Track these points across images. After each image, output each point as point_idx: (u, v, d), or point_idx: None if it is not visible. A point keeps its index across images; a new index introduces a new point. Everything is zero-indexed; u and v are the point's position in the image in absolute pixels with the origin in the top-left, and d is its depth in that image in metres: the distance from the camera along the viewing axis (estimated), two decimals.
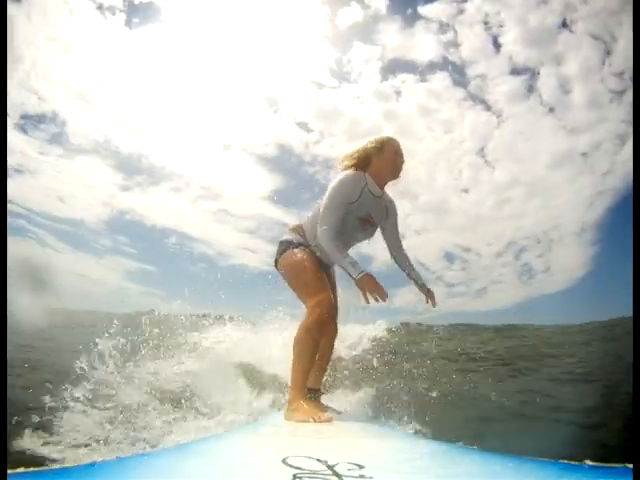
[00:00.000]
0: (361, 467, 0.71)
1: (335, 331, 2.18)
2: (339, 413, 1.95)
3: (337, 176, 2.03)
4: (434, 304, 2.19)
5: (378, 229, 2.22)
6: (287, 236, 2.15)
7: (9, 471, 0.69)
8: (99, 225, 15.25)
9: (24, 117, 14.41)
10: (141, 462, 0.86)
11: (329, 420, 1.63)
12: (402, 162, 2.11)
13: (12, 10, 13.13)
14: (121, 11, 14.88)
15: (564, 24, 14.03)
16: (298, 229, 2.15)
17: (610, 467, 0.87)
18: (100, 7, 14.59)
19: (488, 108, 15.87)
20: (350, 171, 2.04)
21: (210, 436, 1.54)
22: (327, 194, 1.98)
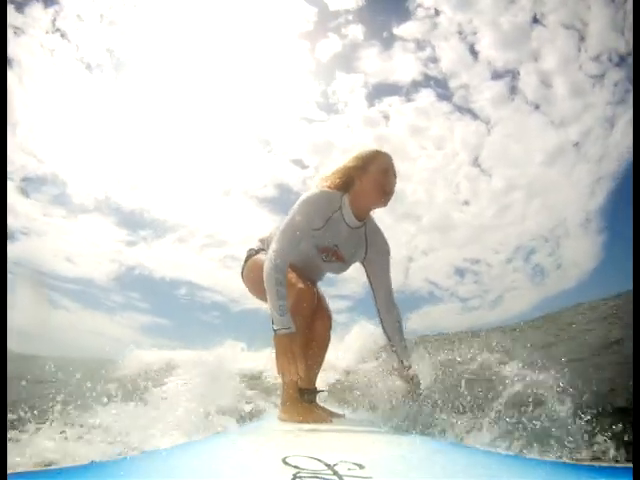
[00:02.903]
0: (361, 467, 0.71)
1: (326, 325, 1.89)
2: (341, 416, 1.91)
3: (306, 192, 1.70)
4: (415, 397, 1.71)
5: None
6: (253, 245, 1.97)
7: (9, 471, 0.69)
8: (109, 282, 15.60)
9: (25, 180, 14.81)
10: (141, 462, 0.86)
11: (325, 420, 1.58)
12: (392, 182, 1.71)
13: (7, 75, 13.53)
14: (110, 68, 15.27)
15: (535, 20, 14.20)
16: (262, 239, 1.95)
17: (610, 467, 0.87)
18: (88, 67, 14.92)
19: (475, 117, 15.98)
20: (325, 189, 1.71)
21: (210, 436, 1.53)
22: (290, 212, 1.66)
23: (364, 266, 1.89)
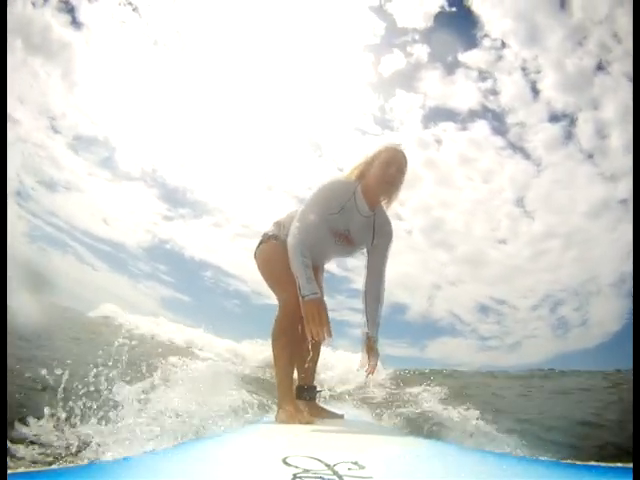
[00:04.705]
0: (361, 467, 0.71)
1: None
2: (341, 417, 1.91)
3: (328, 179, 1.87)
4: (369, 372, 1.82)
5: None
6: (267, 229, 2.03)
7: (9, 471, 0.69)
8: (139, 250, 15.80)
9: (77, 138, 15.13)
10: (141, 462, 0.85)
11: (311, 421, 1.58)
12: (394, 175, 1.80)
13: (72, 36, 13.96)
14: (176, 48, 15.68)
15: (600, 66, 13.75)
16: (278, 223, 2.01)
17: (610, 467, 0.87)
18: (155, 43, 15.29)
19: (527, 157, 15.58)
20: (340, 178, 1.88)
21: (210, 436, 1.53)
22: (310, 196, 1.82)
23: (368, 251, 1.96)
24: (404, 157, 1.85)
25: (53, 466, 1.24)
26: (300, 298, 1.62)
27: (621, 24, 13.33)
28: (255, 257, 2.04)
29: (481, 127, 16.01)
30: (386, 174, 1.79)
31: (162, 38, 15.64)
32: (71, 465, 1.18)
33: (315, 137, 20.92)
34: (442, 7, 14.64)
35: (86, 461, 1.23)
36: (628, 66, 13.46)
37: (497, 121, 16.10)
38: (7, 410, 1.27)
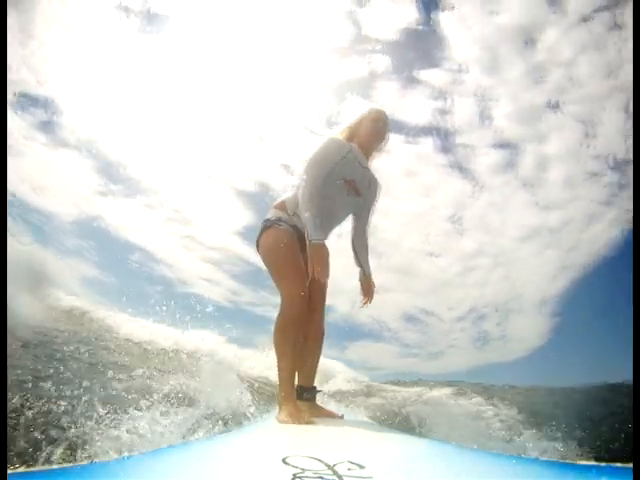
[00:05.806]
0: (361, 467, 0.71)
1: (320, 321, 1.96)
2: (340, 417, 1.91)
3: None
4: (365, 301, 2.08)
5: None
6: (268, 214, 1.98)
7: (9, 471, 0.69)
8: (65, 224, 15.01)
9: (20, 95, 14.42)
10: (141, 462, 0.86)
11: (311, 421, 1.57)
12: (383, 128, 2.03)
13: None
14: (136, 16, 15.25)
15: (552, 105, 14.75)
16: (281, 205, 1.97)
17: (610, 467, 0.87)
18: (119, 6, 14.99)
19: (467, 177, 16.50)
20: (333, 137, 2.00)
21: (210, 436, 1.53)
22: (311, 154, 1.89)
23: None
24: (386, 115, 2.08)
25: (53, 466, 1.24)
26: (307, 242, 1.72)
27: (581, 70, 14.11)
28: (258, 246, 1.96)
29: (428, 143, 16.72)
30: (377, 128, 2.01)
31: (129, 6, 15.11)
32: (71, 465, 1.18)
33: (261, 130, 20.48)
34: (410, 24, 14.99)
35: (86, 461, 1.24)
36: (579, 109, 14.49)
37: (444, 140, 16.64)
38: (7, 410, 1.27)
